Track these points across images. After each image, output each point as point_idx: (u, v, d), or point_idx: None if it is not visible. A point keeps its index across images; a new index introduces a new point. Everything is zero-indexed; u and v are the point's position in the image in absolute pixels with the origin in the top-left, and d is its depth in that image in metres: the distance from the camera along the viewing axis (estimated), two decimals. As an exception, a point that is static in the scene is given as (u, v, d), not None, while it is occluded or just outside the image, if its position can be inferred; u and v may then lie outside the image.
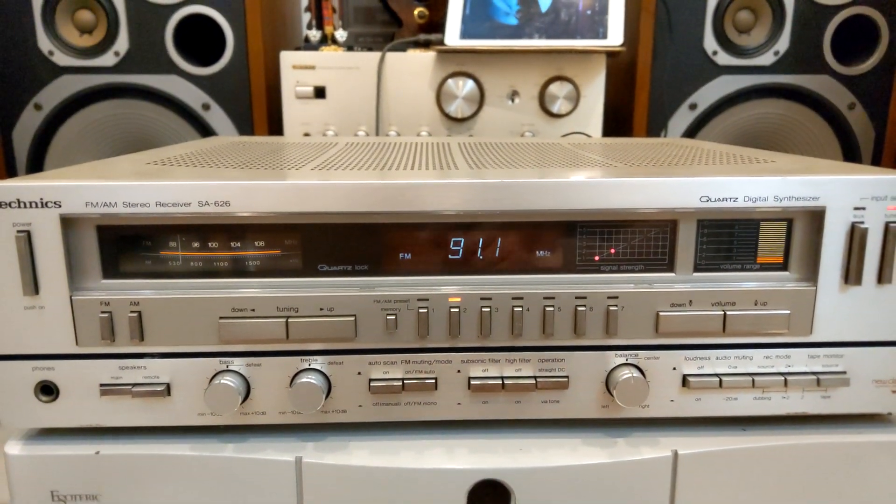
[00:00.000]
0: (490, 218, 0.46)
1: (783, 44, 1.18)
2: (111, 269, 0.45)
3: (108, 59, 1.15)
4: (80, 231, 0.44)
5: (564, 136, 1.12)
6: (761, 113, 1.21)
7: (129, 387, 0.46)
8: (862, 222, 0.45)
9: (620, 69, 1.27)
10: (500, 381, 0.47)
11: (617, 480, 0.47)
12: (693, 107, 1.20)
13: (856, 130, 1.21)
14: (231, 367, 0.46)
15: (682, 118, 1.20)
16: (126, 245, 0.45)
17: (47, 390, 0.46)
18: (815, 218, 0.46)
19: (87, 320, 0.45)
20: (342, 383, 0.47)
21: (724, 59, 1.18)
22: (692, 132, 1.20)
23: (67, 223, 0.44)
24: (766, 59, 1.18)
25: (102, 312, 0.45)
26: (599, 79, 1.14)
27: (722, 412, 0.48)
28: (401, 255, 0.46)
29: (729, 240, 0.46)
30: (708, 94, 1.19)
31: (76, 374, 0.46)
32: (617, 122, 1.27)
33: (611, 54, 1.13)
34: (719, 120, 1.22)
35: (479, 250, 0.46)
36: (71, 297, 0.44)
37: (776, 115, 1.22)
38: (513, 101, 1.14)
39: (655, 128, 1.20)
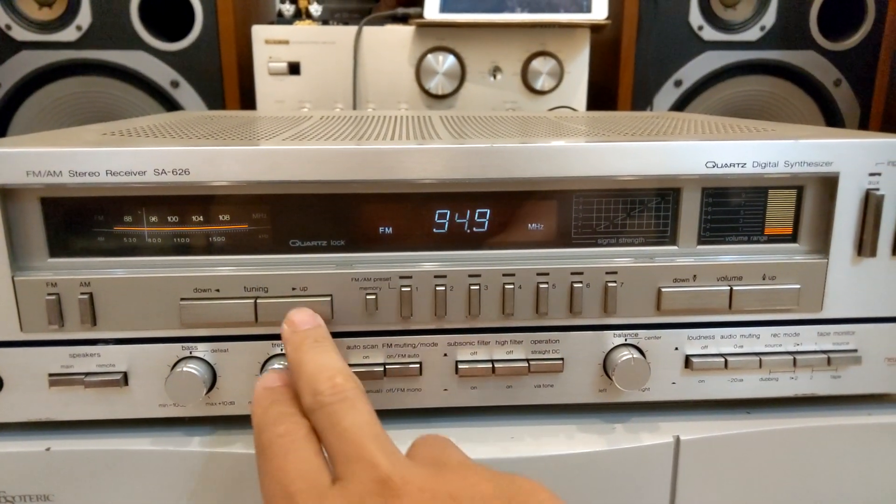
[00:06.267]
0: (477, 187, 0.42)
1: (769, 19, 1.16)
2: (58, 246, 0.41)
3: (69, 34, 1.09)
4: (22, 204, 0.40)
5: (550, 110, 1.09)
6: (747, 89, 1.19)
7: (82, 377, 0.42)
8: (877, 189, 0.42)
9: (604, 45, 1.24)
10: (490, 365, 0.43)
11: (615, 469, 0.44)
12: (678, 83, 1.17)
13: (841, 107, 1.19)
14: (195, 354, 0.43)
15: (667, 95, 1.17)
16: (74, 219, 0.41)
17: (-10, 381, 0.42)
18: (828, 185, 0.43)
19: (32, 303, 0.41)
20: (318, 369, 0.43)
21: (709, 34, 1.16)
22: (677, 109, 1.18)
23: (7, 195, 0.39)
24: (753, 34, 1.16)
25: (49, 294, 0.40)
26: (583, 54, 1.11)
27: (726, 394, 0.45)
28: (380, 229, 0.43)
29: (735, 209, 0.43)
30: (693, 70, 1.17)
31: (22, 364, 0.42)
32: (601, 100, 1.24)
33: (595, 28, 1.10)
34: (705, 97, 1.19)
35: (466, 223, 0.43)
36: (13, 277, 0.40)
37: (762, 91, 1.20)
38: (494, 77, 1.10)
39: (640, 105, 1.18)
